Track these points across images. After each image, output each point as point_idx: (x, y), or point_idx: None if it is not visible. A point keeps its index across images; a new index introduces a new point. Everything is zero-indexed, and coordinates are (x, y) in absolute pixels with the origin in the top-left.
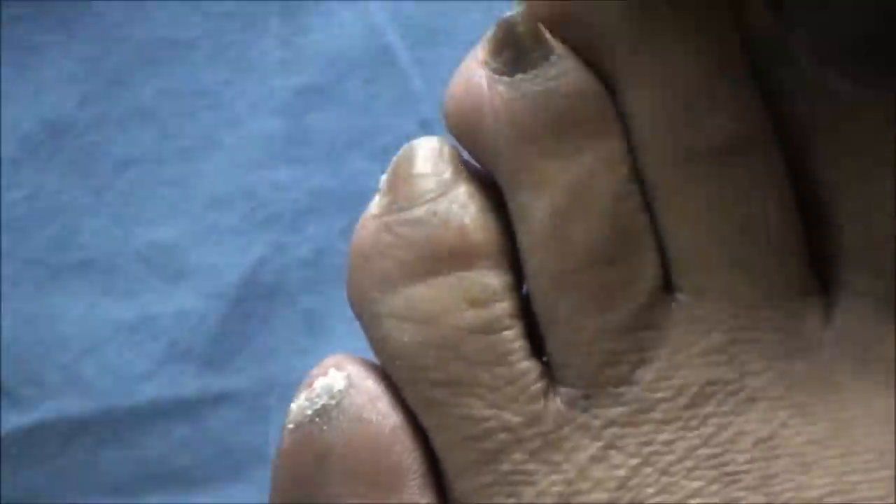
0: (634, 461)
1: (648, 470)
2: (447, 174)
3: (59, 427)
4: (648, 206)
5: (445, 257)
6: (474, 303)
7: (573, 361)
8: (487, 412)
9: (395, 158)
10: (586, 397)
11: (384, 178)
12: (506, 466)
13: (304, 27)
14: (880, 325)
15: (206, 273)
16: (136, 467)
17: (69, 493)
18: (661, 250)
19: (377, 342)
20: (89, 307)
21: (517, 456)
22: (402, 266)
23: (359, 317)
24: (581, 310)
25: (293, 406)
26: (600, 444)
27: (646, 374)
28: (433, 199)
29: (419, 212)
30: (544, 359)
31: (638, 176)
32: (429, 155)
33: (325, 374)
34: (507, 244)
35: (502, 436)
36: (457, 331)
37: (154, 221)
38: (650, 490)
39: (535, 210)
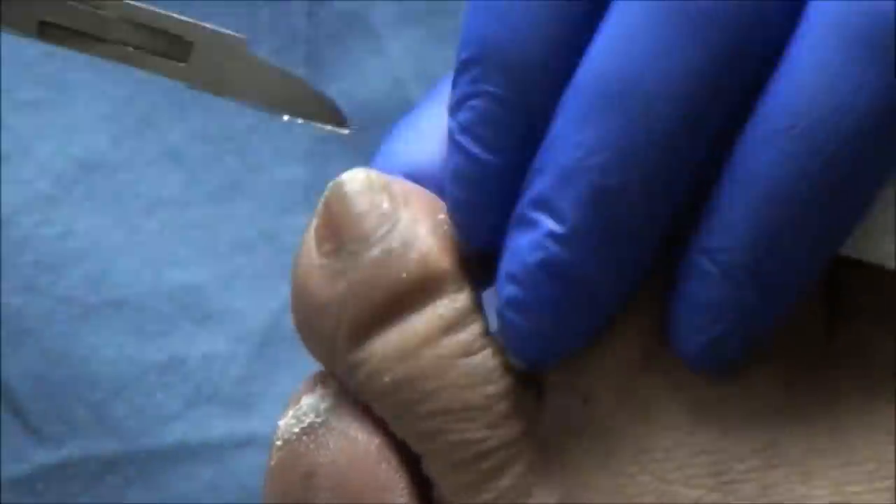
0: (634, 468)
1: (646, 478)
2: (385, 205)
3: (87, 466)
4: None
5: (414, 293)
6: (450, 328)
7: (576, 368)
8: (483, 433)
9: (324, 199)
10: (586, 402)
11: (317, 221)
12: (506, 482)
13: (328, 76)
14: (882, 335)
15: (233, 316)
16: None
17: None
18: None
19: (358, 386)
20: (119, 347)
21: (517, 469)
22: (369, 313)
23: (328, 366)
24: None
25: (280, 423)
26: (599, 450)
27: (648, 379)
28: (382, 237)
29: (373, 253)
30: None
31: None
32: (360, 189)
33: (311, 391)
34: (459, 253)
35: (501, 453)
36: (439, 360)
37: (183, 263)
38: (648, 498)
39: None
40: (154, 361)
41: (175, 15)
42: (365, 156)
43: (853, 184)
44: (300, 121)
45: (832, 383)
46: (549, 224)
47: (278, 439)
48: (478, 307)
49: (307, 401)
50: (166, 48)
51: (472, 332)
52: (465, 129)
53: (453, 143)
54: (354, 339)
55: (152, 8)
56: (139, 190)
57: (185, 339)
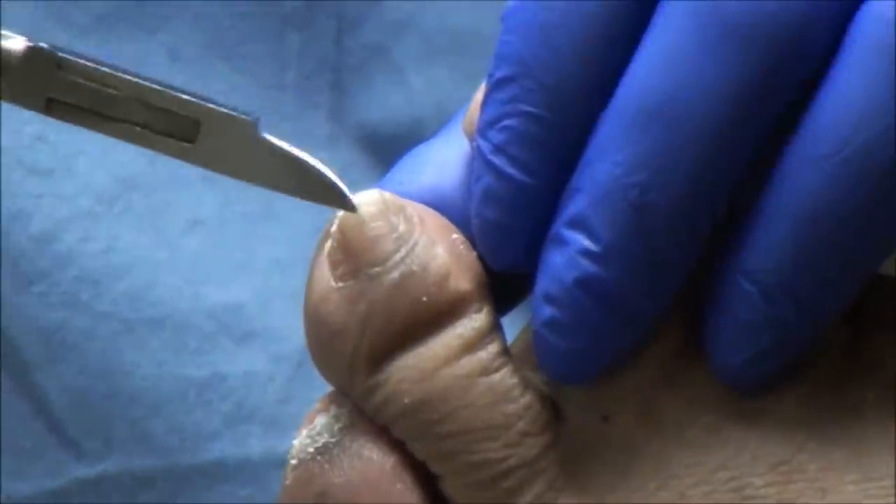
0: (653, 485)
1: (666, 494)
2: (401, 226)
3: (124, 481)
4: None
5: (433, 316)
6: (469, 348)
7: (594, 381)
8: (504, 452)
9: (339, 222)
10: (605, 419)
11: (331, 244)
12: (527, 499)
13: (351, 106)
14: None
15: (272, 335)
16: None
17: None
18: None
19: (376, 408)
20: (160, 364)
21: (537, 487)
22: (389, 336)
23: (343, 389)
24: None
25: (295, 442)
26: (619, 468)
27: (668, 396)
28: (401, 260)
29: (392, 277)
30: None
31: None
32: (376, 211)
33: (325, 410)
34: (477, 268)
35: (521, 472)
36: (458, 379)
37: (223, 282)
38: None
39: None
40: (194, 379)
41: (183, 95)
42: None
43: (894, 206)
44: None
45: (851, 398)
46: (585, 242)
47: (293, 458)
48: (496, 326)
49: (321, 420)
50: (174, 127)
51: (490, 351)
52: (498, 149)
53: (485, 164)
54: (373, 362)
55: (160, 87)
56: (178, 208)
57: (224, 358)
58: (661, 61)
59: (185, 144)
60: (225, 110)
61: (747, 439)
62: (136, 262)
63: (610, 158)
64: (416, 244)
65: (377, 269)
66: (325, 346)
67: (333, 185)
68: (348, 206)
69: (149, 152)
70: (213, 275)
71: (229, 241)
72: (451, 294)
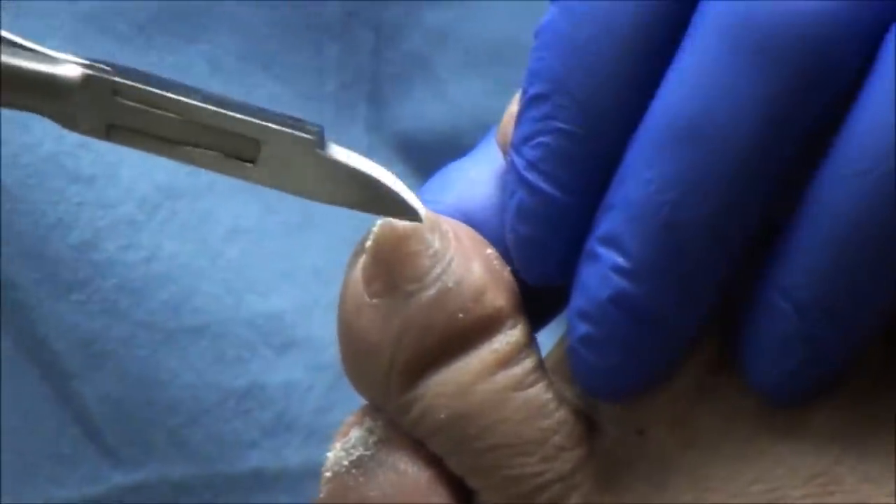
0: (688, 497)
1: None
2: (437, 242)
3: (161, 490)
4: None
5: (469, 332)
6: (504, 363)
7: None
8: (540, 467)
9: (374, 237)
10: (640, 433)
11: (365, 259)
12: None
13: (390, 116)
14: None
15: (312, 345)
16: None
17: None
18: None
19: (411, 423)
20: (199, 373)
21: (573, 501)
22: (424, 353)
23: (377, 404)
24: None
25: (329, 455)
26: (654, 481)
27: (703, 409)
28: (437, 277)
29: (429, 294)
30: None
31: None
32: (411, 227)
33: (360, 423)
34: (512, 284)
35: (557, 486)
36: (494, 394)
37: (263, 291)
38: None
39: None
40: (233, 388)
41: (242, 114)
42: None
43: None
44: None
45: (887, 411)
46: (617, 259)
47: (327, 471)
48: (531, 340)
49: (356, 433)
50: (235, 148)
51: (525, 366)
52: (532, 165)
53: (519, 180)
54: (408, 378)
55: (218, 107)
56: (219, 218)
57: (264, 367)
58: (691, 80)
59: (247, 165)
60: (285, 128)
61: (783, 452)
62: (176, 271)
63: (641, 176)
64: (451, 260)
65: (413, 285)
66: (359, 362)
67: (399, 196)
68: (416, 216)
69: None
70: (253, 284)
71: (270, 251)
72: (487, 310)
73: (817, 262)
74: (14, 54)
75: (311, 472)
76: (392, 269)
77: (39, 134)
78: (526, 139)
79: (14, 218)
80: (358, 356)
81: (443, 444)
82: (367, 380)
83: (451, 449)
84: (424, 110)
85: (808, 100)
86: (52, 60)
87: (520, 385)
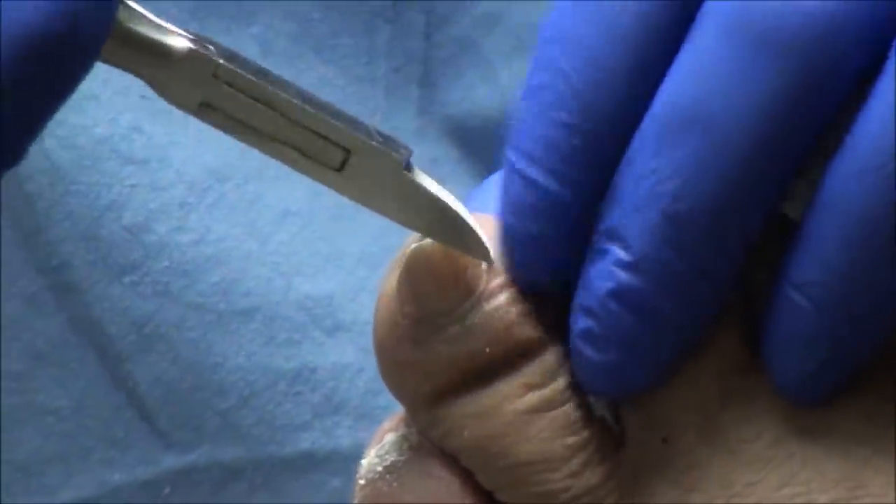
0: (717, 502)
1: None
2: (466, 276)
3: (213, 472)
4: None
5: (498, 365)
6: (533, 387)
7: (652, 404)
8: (566, 482)
9: (407, 260)
10: (665, 440)
11: (399, 276)
12: None
13: (441, 100)
14: None
15: (362, 328)
16: None
17: None
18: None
19: (439, 439)
20: (250, 355)
21: None
22: (451, 382)
23: (411, 414)
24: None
25: (363, 462)
26: (681, 489)
27: (729, 414)
28: (466, 312)
29: (456, 329)
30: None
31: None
32: (442, 259)
33: (394, 429)
34: (541, 311)
35: (584, 500)
36: (519, 415)
37: (312, 274)
38: None
39: None
40: (284, 370)
41: (337, 122)
42: (475, 179)
43: None
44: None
45: None
46: (619, 253)
47: (361, 478)
48: (564, 360)
49: (390, 439)
50: (323, 152)
51: (555, 387)
52: (531, 158)
53: (514, 173)
54: (434, 400)
55: (314, 109)
56: (268, 201)
57: (314, 349)
58: (694, 72)
59: (332, 172)
60: (376, 144)
61: (811, 455)
62: (227, 254)
63: (643, 168)
64: (481, 295)
65: (441, 319)
66: (391, 374)
67: (475, 235)
68: (486, 257)
69: (241, 143)
70: (303, 266)
71: (319, 233)
72: (514, 344)
73: (833, 259)
74: (128, 16)
75: (362, 455)
76: (421, 297)
77: (93, 116)
78: (525, 131)
79: (68, 199)
80: (390, 368)
81: (469, 462)
82: (397, 391)
83: (477, 467)
84: (474, 94)
85: (811, 96)
86: (162, 29)
87: (548, 405)
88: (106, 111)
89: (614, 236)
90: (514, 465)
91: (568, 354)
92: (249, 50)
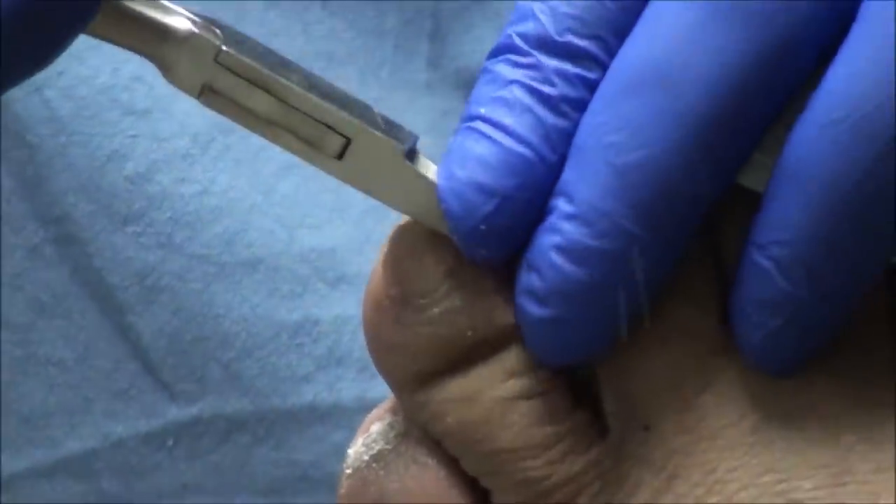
0: (700, 490)
1: (714, 500)
2: (450, 258)
3: (216, 424)
4: None
5: (479, 349)
6: (515, 374)
7: (632, 391)
8: (546, 470)
9: (390, 244)
10: (647, 428)
11: (383, 259)
12: None
13: (451, 52)
14: None
15: (365, 280)
16: (289, 469)
17: (221, 490)
18: None
19: (424, 423)
20: (253, 307)
21: (582, 501)
22: (434, 363)
23: (398, 396)
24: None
25: (350, 451)
26: (664, 475)
27: (709, 399)
28: (446, 294)
29: (437, 311)
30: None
31: None
32: (426, 241)
33: (381, 418)
34: None
35: (565, 489)
36: (500, 402)
37: (316, 226)
38: None
39: None
40: (287, 322)
41: (339, 111)
42: None
43: None
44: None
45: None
46: (564, 206)
47: (348, 468)
48: None
49: (376, 428)
50: (323, 139)
51: (536, 376)
52: (489, 118)
53: (474, 132)
54: (420, 382)
55: (317, 99)
56: (273, 152)
57: (317, 301)
58: (656, 32)
59: (332, 159)
60: (377, 132)
61: (793, 441)
62: (231, 205)
63: (594, 121)
64: (463, 279)
65: (424, 300)
66: (377, 357)
67: None
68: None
69: None
70: (307, 218)
71: (324, 185)
72: (497, 328)
73: (793, 217)
74: None
75: (365, 407)
76: (405, 277)
77: (95, 66)
78: (486, 91)
79: (69, 150)
80: (376, 349)
81: (453, 447)
82: (384, 373)
83: (460, 452)
84: (485, 46)
85: (772, 64)
86: (165, 9)
87: (530, 393)
88: (108, 61)
89: (562, 192)
90: (495, 452)
91: None
92: (256, 1)
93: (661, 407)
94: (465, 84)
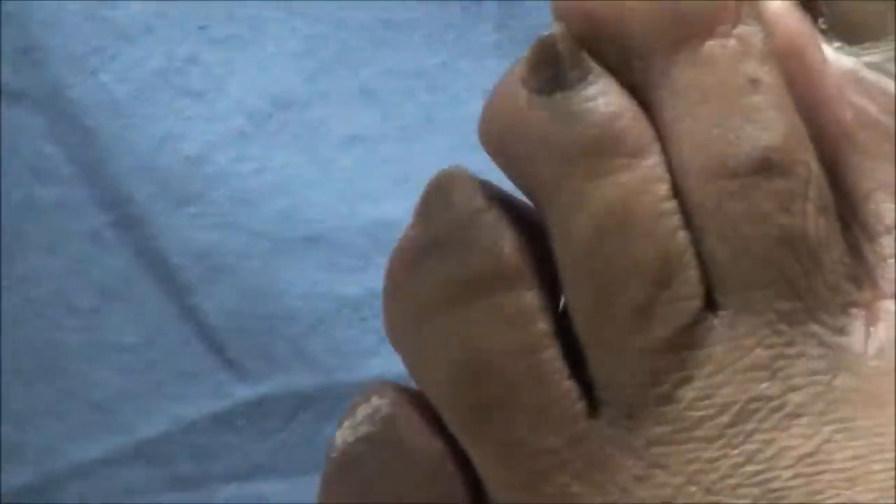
0: (679, 479)
1: (693, 489)
2: (478, 200)
3: (285, 401)
4: (687, 224)
5: (481, 281)
6: (512, 324)
7: (615, 381)
8: (529, 435)
9: (425, 189)
10: (629, 417)
11: (415, 208)
12: (550, 489)
13: (520, 13)
14: None
15: None
16: None
17: (291, 468)
18: (703, 268)
19: (415, 369)
20: (315, 282)
21: (561, 478)
22: (436, 294)
23: (395, 345)
24: (624, 329)
25: (337, 434)
26: (644, 463)
27: (688, 393)
28: (464, 226)
29: (451, 237)
30: (584, 380)
31: (677, 194)
32: (459, 184)
33: (367, 401)
34: (541, 264)
35: (546, 458)
36: (495, 354)
37: (377, 199)
38: None
39: (574, 230)
40: (350, 296)
41: None
42: None
43: None
44: None
45: (875, 388)
46: None
47: (334, 452)
48: (545, 309)
49: (363, 411)
50: None
51: (532, 332)
52: None
53: None
54: (419, 316)
55: None
56: (332, 126)
57: (379, 275)
58: None
59: None
60: None
61: (773, 432)
62: (289, 181)
63: None
64: (483, 217)
65: (438, 232)
66: (385, 300)
67: None
68: None
69: (302, 69)
70: (367, 191)
71: (386, 157)
72: (500, 264)
73: None
74: None
75: None
76: (429, 216)
77: (148, 49)
78: None
79: (127, 133)
80: (386, 298)
81: (441, 397)
82: (387, 319)
83: (448, 402)
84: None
85: None
86: None
87: (522, 349)
88: (161, 43)
89: None
90: (481, 406)
91: (548, 300)
92: None
93: (641, 396)
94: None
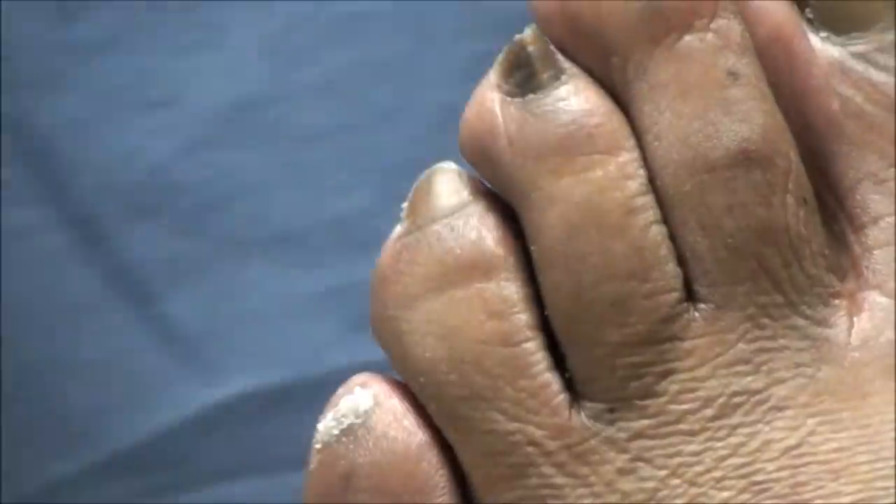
0: (663, 472)
1: (677, 481)
2: (465, 193)
3: (258, 399)
4: (667, 219)
5: (463, 270)
6: (493, 315)
7: (596, 375)
8: (512, 426)
9: (414, 185)
10: (611, 410)
11: (406, 204)
12: (533, 481)
13: None
14: None
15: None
16: None
17: (270, 465)
18: (683, 261)
19: (398, 360)
20: (284, 279)
21: (544, 470)
22: (419, 281)
23: (378, 338)
24: (601, 325)
25: (320, 426)
26: (628, 456)
27: (671, 386)
28: (450, 216)
29: (436, 227)
30: (567, 375)
31: (657, 189)
32: (446, 177)
33: (350, 392)
34: (525, 258)
35: (528, 450)
36: (477, 344)
37: (340, 193)
38: (679, 501)
39: (546, 228)
40: (318, 291)
41: None
42: None
43: None
44: None
45: (858, 380)
46: None
47: (317, 443)
48: (528, 301)
49: (346, 403)
50: None
51: (514, 322)
52: None
53: None
54: (402, 304)
55: None
56: (297, 122)
57: (348, 268)
58: None
59: None
60: None
61: (756, 428)
62: (254, 183)
63: None
64: (469, 207)
65: (424, 221)
66: (371, 292)
67: None
68: None
69: (263, 68)
70: (330, 186)
71: (352, 149)
72: (483, 254)
73: None
74: None
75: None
76: (417, 208)
77: (107, 65)
78: None
79: (89, 150)
80: (372, 290)
81: (425, 387)
82: (372, 310)
83: (432, 393)
84: None
85: None
86: None
87: (504, 341)
88: (120, 59)
89: None
90: (465, 397)
91: (531, 292)
92: None
93: (625, 389)
94: (499, 27)
